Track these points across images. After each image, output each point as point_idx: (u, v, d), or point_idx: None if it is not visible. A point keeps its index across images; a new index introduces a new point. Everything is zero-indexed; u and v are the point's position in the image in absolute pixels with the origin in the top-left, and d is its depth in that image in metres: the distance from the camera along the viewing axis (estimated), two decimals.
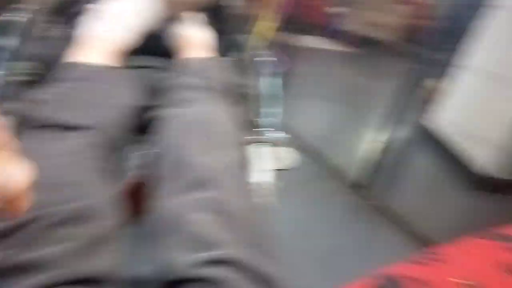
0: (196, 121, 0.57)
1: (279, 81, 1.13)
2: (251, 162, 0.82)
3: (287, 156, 2.08)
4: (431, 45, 2.23)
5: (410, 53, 1.78)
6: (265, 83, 1.21)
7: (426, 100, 3.51)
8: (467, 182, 2.24)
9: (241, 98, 0.89)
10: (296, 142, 2.29)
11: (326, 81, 2.93)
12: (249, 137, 0.84)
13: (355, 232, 1.79)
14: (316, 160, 2.21)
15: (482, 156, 2.15)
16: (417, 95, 3.58)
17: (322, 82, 2.88)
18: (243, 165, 0.56)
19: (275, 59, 1.22)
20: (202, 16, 0.83)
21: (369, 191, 2.04)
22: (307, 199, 1.66)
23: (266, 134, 0.94)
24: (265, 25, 2.20)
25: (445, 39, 3.39)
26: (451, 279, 0.68)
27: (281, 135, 1.09)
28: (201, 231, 0.40)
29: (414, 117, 1.98)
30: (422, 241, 1.64)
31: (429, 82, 3.72)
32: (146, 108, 0.64)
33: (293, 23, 2.61)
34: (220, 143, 0.54)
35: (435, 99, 2.78)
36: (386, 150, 2.55)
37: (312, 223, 1.64)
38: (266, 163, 0.84)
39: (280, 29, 2.20)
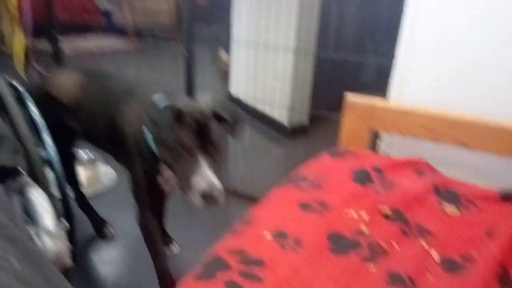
0: None
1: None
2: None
3: (105, 175, 1.94)
4: (201, 22, 2.34)
5: (185, 33, 1.82)
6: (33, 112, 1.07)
7: (224, 71, 3.78)
8: (277, 136, 2.54)
9: None
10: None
11: None
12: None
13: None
14: None
15: (277, 112, 2.46)
16: (215, 67, 3.78)
17: None
18: (2, 226, 0.51)
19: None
20: None
21: None
22: None
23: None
24: (19, 42, 1.92)
25: (216, 14, 3.64)
26: (264, 232, 0.75)
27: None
28: None
29: (219, 88, 2.07)
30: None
31: (222, 55, 4.00)
32: None
33: (60, 27, 2.35)
34: None
35: (229, 69, 3.01)
36: None
37: None
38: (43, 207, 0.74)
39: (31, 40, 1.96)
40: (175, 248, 1.50)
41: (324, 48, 2.30)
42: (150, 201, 1.12)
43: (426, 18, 1.18)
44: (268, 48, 1.93)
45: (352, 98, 1.16)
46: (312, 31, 2.34)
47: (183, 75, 1.96)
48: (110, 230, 1.56)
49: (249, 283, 0.62)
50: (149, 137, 0.98)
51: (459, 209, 0.85)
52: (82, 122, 1.25)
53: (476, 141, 1.06)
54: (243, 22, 2.28)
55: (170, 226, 1.57)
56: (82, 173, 2.01)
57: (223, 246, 0.73)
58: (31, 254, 0.52)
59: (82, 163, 2.16)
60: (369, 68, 2.63)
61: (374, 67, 2.65)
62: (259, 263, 0.67)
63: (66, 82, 1.27)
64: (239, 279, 0.62)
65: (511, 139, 0.99)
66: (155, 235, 1.15)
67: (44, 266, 0.52)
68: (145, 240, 1.15)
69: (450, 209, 0.85)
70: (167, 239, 1.55)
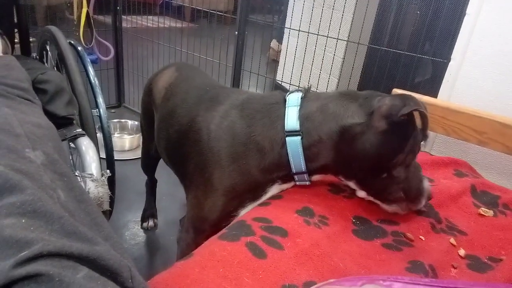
0: None
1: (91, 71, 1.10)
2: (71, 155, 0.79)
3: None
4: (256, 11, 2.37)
5: (240, 20, 1.86)
6: (91, 74, 1.15)
7: (273, 60, 3.82)
8: None
9: (43, 94, 0.85)
10: None
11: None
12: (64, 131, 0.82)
13: None
14: None
15: None
16: (264, 55, 3.83)
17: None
18: (54, 161, 0.56)
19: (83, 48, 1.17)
20: None
21: None
22: None
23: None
24: (83, 13, 2.05)
25: (269, 4, 3.65)
26: (291, 207, 0.77)
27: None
28: (12, 235, 0.41)
29: (265, 75, 2.10)
30: None
31: (273, 45, 4.04)
32: None
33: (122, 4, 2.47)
34: (12, 147, 0.54)
35: (278, 57, 3.02)
36: None
37: None
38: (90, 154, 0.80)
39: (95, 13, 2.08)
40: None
41: (378, 45, 2.26)
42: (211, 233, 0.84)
43: (485, 22, 1.14)
44: (324, 38, 1.92)
45: (397, 91, 1.14)
46: (367, 27, 2.29)
47: (232, 59, 2.00)
48: None
49: (270, 249, 0.64)
50: (297, 151, 0.76)
51: (494, 213, 0.82)
52: (157, 125, 1.10)
53: None
54: (298, 13, 2.28)
55: None
56: (126, 139, 2.13)
57: (250, 214, 0.75)
58: (75, 189, 0.57)
59: (127, 130, 2.29)
60: (422, 70, 2.55)
61: (428, 69, 2.56)
62: (282, 232, 0.69)
63: (161, 80, 1.15)
64: (260, 243, 0.65)
65: None
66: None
67: (85, 201, 0.57)
68: (178, 250, 0.98)
69: (485, 211, 0.82)
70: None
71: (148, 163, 1.47)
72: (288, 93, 0.83)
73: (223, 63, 2.10)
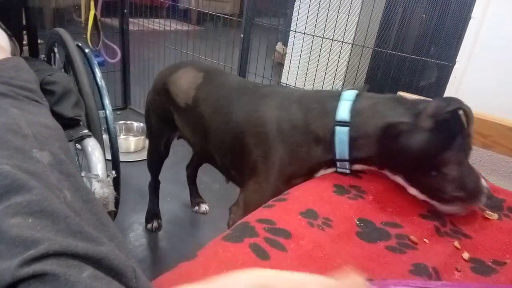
0: None
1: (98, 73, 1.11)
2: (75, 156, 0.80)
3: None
4: (262, 14, 2.39)
5: (246, 23, 1.87)
6: (98, 76, 1.17)
7: (278, 63, 3.83)
8: None
9: (50, 95, 0.86)
10: None
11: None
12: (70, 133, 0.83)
13: None
14: None
15: None
16: (269, 58, 3.85)
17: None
18: (61, 161, 0.57)
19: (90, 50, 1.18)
20: None
21: None
22: None
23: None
24: (91, 16, 2.07)
25: (275, 7, 3.67)
26: (295, 209, 0.77)
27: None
28: (18, 234, 0.41)
29: (270, 77, 2.11)
30: None
31: (278, 48, 4.06)
32: None
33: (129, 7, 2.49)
34: (20, 147, 0.55)
35: (283, 60, 3.03)
36: None
37: None
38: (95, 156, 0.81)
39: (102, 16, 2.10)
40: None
41: (383, 48, 2.26)
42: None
43: (491, 25, 1.14)
44: (329, 41, 1.92)
45: (401, 94, 1.14)
46: (373, 30, 2.29)
47: (238, 61, 2.01)
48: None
49: (273, 250, 0.64)
50: (343, 140, 0.84)
51: (499, 216, 0.82)
52: (196, 129, 1.16)
53: None
54: (303, 16, 2.29)
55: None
56: (132, 140, 2.15)
57: (254, 216, 0.76)
58: (81, 190, 0.58)
59: (133, 132, 2.31)
60: (427, 73, 2.54)
61: (433, 73, 2.55)
62: (286, 234, 0.69)
63: (184, 80, 1.18)
64: (264, 244, 0.65)
65: None
66: None
67: (91, 201, 0.57)
68: None
69: (490, 214, 0.82)
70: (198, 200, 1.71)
71: (157, 159, 1.50)
72: (343, 90, 0.91)
73: (228, 66, 2.11)
